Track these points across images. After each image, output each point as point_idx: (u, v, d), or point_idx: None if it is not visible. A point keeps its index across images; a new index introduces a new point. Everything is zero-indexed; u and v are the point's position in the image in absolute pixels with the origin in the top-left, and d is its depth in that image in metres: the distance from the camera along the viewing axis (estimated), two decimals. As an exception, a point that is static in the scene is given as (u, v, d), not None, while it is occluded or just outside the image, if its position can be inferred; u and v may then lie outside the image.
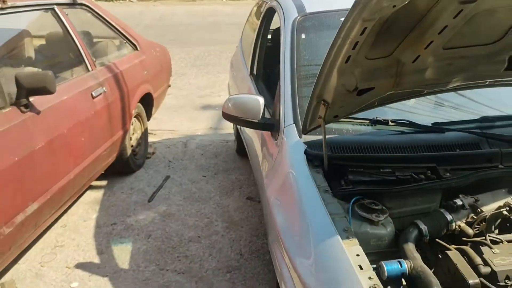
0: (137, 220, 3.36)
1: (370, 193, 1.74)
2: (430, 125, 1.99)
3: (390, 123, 2.00)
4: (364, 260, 1.43)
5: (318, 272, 1.51)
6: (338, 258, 1.46)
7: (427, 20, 1.43)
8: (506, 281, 1.44)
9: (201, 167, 4.25)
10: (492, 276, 1.44)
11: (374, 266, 1.44)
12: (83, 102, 3.00)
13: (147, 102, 4.31)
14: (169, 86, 5.08)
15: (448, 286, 1.41)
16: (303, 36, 2.43)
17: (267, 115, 2.38)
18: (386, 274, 1.44)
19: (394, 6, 1.25)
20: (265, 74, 3.30)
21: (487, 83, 1.86)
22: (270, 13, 3.22)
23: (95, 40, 3.81)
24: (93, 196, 3.72)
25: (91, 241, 3.12)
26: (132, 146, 4.02)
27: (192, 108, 6.07)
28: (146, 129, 4.41)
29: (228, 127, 5.25)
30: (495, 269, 1.45)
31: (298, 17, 2.51)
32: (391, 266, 1.46)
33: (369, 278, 1.37)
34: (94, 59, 3.35)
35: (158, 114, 4.87)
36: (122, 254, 2.97)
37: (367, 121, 2.02)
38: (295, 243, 1.67)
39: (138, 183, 3.94)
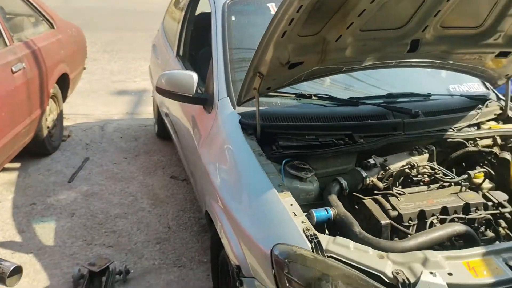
0: (58, 200, 3.30)
1: (298, 155, 1.98)
2: (347, 99, 2.29)
3: (313, 97, 2.27)
4: (297, 208, 1.66)
5: (259, 221, 1.71)
6: (275, 207, 1.68)
7: (350, 3, 1.68)
8: (409, 221, 1.76)
9: (121, 149, 4.24)
10: (399, 218, 1.76)
11: (305, 214, 1.68)
12: (3, 76, 2.89)
13: (63, 83, 4.19)
14: (84, 68, 4.96)
15: (365, 228, 1.69)
16: (232, 18, 2.61)
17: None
18: (315, 220, 1.68)
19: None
20: (192, 55, 3.41)
21: (393, 63, 2.19)
22: (196, -4, 3.37)
23: (8, 16, 3.63)
24: (6, 178, 3.56)
25: (10, 221, 3.02)
26: (48, 127, 3.90)
27: (106, 93, 5.94)
28: (61, 111, 4.29)
29: (146, 112, 5.26)
30: (401, 212, 1.76)
31: (227, 1, 2.68)
32: (319, 213, 1.71)
33: (302, 222, 1.60)
34: (12, 34, 3.21)
35: (71, 98, 4.74)
36: (45, 232, 2.93)
37: (294, 95, 2.26)
38: (235, 200, 1.86)
39: (56, 165, 3.84)
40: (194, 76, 2.38)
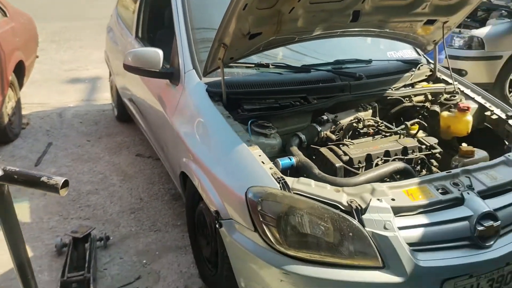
0: (28, 182, 3.39)
1: (261, 116, 2.24)
2: (300, 66, 2.57)
3: (270, 66, 2.54)
4: (265, 158, 1.94)
5: (232, 171, 1.97)
6: (246, 158, 1.94)
7: (300, -22, 1.95)
8: (358, 164, 2.08)
9: (83, 133, 4.34)
10: (350, 162, 2.07)
11: (272, 163, 1.95)
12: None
13: (19, 70, 4.21)
14: (37, 56, 4.96)
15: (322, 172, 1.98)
16: (192, -3, 2.82)
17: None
18: (280, 166, 1.97)
19: (281, -36, 1.74)
20: (150, 36, 3.57)
21: (338, 33, 2.49)
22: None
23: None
24: (-30, 166, 3.59)
25: (-18, 204, 3.09)
26: (8, 114, 3.94)
27: (58, 82, 5.93)
28: (19, 99, 4.32)
29: (102, 98, 5.34)
30: (351, 156, 2.08)
31: (185, -20, 2.87)
32: (284, 161, 1.99)
33: (270, 168, 1.88)
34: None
35: (24, 88, 4.74)
36: (21, 211, 3.03)
37: (253, 65, 2.52)
38: (210, 156, 2.11)
39: (19, 151, 3.90)
40: (160, 52, 2.57)
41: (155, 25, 3.68)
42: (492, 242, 1.83)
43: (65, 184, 0.95)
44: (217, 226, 1.96)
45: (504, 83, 4.96)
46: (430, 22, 2.60)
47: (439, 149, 2.24)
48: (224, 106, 2.27)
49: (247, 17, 2.04)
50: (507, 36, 4.81)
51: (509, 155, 2.13)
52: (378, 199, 1.79)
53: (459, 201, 1.87)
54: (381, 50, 2.98)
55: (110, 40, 4.32)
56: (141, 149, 4.01)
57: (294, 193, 1.79)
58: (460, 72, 4.69)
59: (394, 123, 2.44)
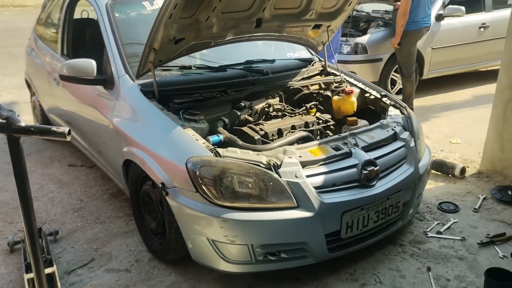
0: (-37, 198, 3.50)
1: (190, 107, 2.71)
2: (217, 66, 3.09)
3: (192, 67, 3.02)
4: (198, 136, 2.41)
5: (172, 148, 2.41)
6: (182, 137, 2.40)
7: (213, -8, 2.47)
8: (272, 136, 2.62)
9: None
10: (265, 135, 2.61)
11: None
12: None
13: None
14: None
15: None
16: (116, 14, 3.22)
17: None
18: (211, 142, 2.44)
19: (198, -20, 2.25)
20: (75, 53, 3.87)
21: (246, 38, 3.05)
22: (74, 2, 3.86)
23: None
24: None
25: None
26: None
27: (-29, 109, 5.86)
28: None
29: (24, 120, 5.41)
30: (266, 131, 2.62)
31: (109, 2, 3.27)
32: (213, 138, 2.48)
33: (203, 143, 2.35)
34: None
35: None
36: (-38, 222, 3.16)
37: (178, 67, 2.99)
38: (151, 140, 2.52)
39: None
40: (93, 61, 2.93)
41: (79, 43, 3.99)
42: (374, 182, 2.45)
43: (69, 132, 1.35)
44: (164, 195, 2.37)
45: (386, 81, 5.88)
46: (317, 27, 3.26)
47: (332, 122, 2.87)
48: (157, 101, 2.70)
49: (172, 25, 2.50)
50: (384, 42, 5.73)
51: (382, 121, 2.80)
52: (289, 157, 2.33)
53: (348, 155, 2.47)
54: (282, 51, 3.60)
55: (32, 61, 4.50)
56: (72, 160, 4.24)
57: (224, 158, 2.27)
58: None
59: (297, 107, 3.03)
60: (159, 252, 2.70)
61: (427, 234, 2.84)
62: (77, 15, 4.31)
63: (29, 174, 3.79)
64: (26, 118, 5.22)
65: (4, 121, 1.35)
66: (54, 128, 1.34)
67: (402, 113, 2.98)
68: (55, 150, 4.49)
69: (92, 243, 2.92)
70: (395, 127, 2.77)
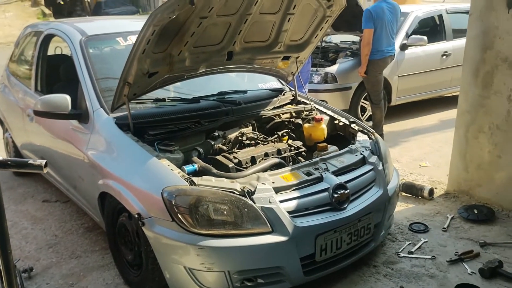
0: None
1: (164, 138, 2.77)
2: (191, 98, 3.17)
3: (166, 100, 3.10)
4: (173, 166, 2.46)
5: (148, 179, 2.45)
6: (157, 167, 2.45)
7: (185, 28, 2.57)
8: (246, 164, 2.69)
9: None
10: (239, 163, 2.68)
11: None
12: None
13: None
14: None
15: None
16: (90, 50, 3.30)
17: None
18: (186, 171, 2.50)
19: (170, 18, 2.35)
20: (49, 89, 3.90)
21: (218, 70, 3.16)
22: (47, 39, 3.92)
23: None
24: None
25: None
26: None
27: None
28: None
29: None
30: (240, 159, 2.69)
31: (83, 38, 3.35)
32: (188, 167, 2.53)
33: (178, 172, 2.41)
34: None
35: None
36: None
37: (152, 100, 3.06)
38: (127, 172, 2.56)
39: None
40: (67, 97, 2.98)
41: (52, 79, 4.03)
42: (346, 205, 2.54)
43: (46, 165, 1.39)
44: (140, 225, 2.40)
45: (356, 108, 6.08)
46: (286, 58, 3.40)
47: (304, 148, 2.96)
48: (132, 134, 2.75)
49: (145, 59, 2.59)
50: (353, 71, 5.95)
51: (351, 146, 2.92)
52: (263, 183, 2.41)
53: (319, 179, 2.57)
54: (253, 82, 3.72)
55: (5, 98, 4.50)
56: (46, 195, 4.20)
57: (199, 186, 2.33)
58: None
59: (269, 135, 3.13)
60: (136, 284, 2.70)
61: (399, 254, 2.93)
62: (50, 51, 4.36)
63: None
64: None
65: (-18, 155, 1.39)
66: (31, 161, 1.38)
67: (370, 138, 3.11)
68: (28, 186, 4.44)
69: (68, 278, 2.89)
70: (363, 151, 2.89)
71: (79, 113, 3.05)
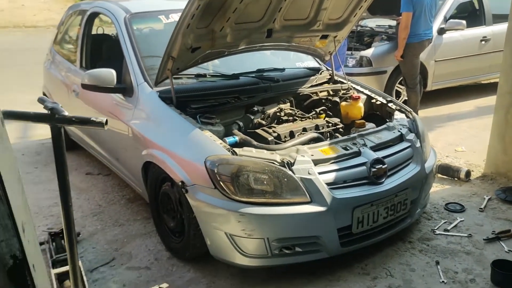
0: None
1: (206, 111, 2.86)
2: (231, 74, 3.25)
3: (207, 75, 3.19)
4: (215, 137, 2.55)
5: (191, 148, 2.55)
6: (200, 138, 2.54)
7: (227, 4, 2.63)
8: (284, 138, 2.76)
9: (28, 162, 4.61)
10: (278, 137, 2.75)
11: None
12: None
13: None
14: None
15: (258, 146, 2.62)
16: (134, 27, 3.41)
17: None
18: (227, 142, 2.58)
19: (215, -8, 2.42)
20: (93, 66, 4.05)
21: (257, 47, 3.22)
22: (92, 17, 4.07)
23: None
24: None
25: None
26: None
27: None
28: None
29: (37, 135, 5.59)
30: (279, 132, 2.76)
31: (127, 16, 3.46)
32: (230, 139, 2.61)
33: (220, 143, 2.49)
34: None
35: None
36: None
37: (194, 75, 3.15)
38: (170, 142, 2.67)
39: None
40: (113, 71, 3.10)
41: (96, 57, 4.18)
42: (383, 180, 2.58)
43: (106, 122, 1.49)
44: (184, 193, 2.50)
45: (391, 92, 6.03)
46: (324, 37, 3.43)
47: (341, 125, 3.00)
48: (175, 106, 2.85)
49: (189, 34, 2.67)
50: (388, 55, 5.91)
51: (388, 124, 2.94)
52: (302, 155, 2.47)
53: (357, 154, 2.61)
54: (291, 61, 3.77)
55: (51, 75, 4.69)
56: (89, 169, 4.39)
57: (241, 156, 2.41)
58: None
59: (307, 112, 3.18)
60: (177, 250, 2.82)
61: (435, 231, 2.95)
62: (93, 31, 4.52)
63: (48, 183, 3.98)
64: (42, 132, 5.41)
65: (49, 111, 1.50)
66: (93, 118, 1.49)
67: (407, 116, 3.11)
68: (72, 159, 4.63)
69: (112, 244, 3.05)
70: (401, 129, 2.91)
71: (124, 87, 3.17)
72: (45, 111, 1.54)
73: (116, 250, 2.97)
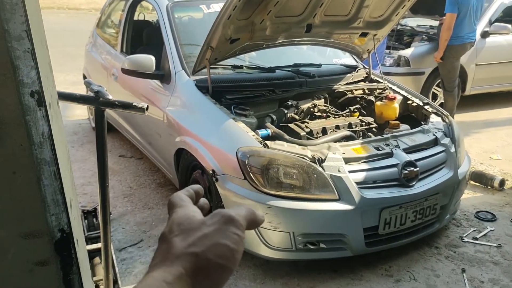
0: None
1: (240, 103, 2.89)
2: (267, 67, 3.27)
3: (244, 67, 3.21)
4: (248, 129, 2.58)
5: (224, 138, 2.59)
6: (233, 129, 2.58)
7: (269, -3, 2.66)
8: (316, 134, 2.76)
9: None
10: (310, 133, 2.75)
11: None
12: None
13: None
14: None
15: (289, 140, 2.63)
16: (176, 15, 3.46)
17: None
18: (260, 135, 2.61)
19: (257, -15, 2.44)
20: (133, 51, 4.15)
21: (295, 42, 3.22)
22: (135, 4, 4.15)
23: None
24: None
25: None
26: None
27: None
28: None
29: (74, 115, 5.77)
30: (312, 128, 2.76)
31: (169, 4, 3.52)
32: (262, 132, 2.64)
33: (253, 135, 2.52)
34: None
35: None
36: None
37: (230, 66, 3.19)
38: (204, 130, 2.71)
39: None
40: (152, 57, 3.17)
41: (136, 42, 4.28)
42: (414, 183, 2.56)
43: (147, 108, 1.54)
44: (214, 181, 2.55)
45: (427, 94, 5.91)
46: (364, 35, 3.40)
47: (375, 125, 2.98)
48: (210, 96, 2.90)
49: (230, 25, 2.70)
50: (428, 56, 5.79)
51: (423, 126, 2.90)
52: (333, 153, 2.47)
53: (389, 155, 2.59)
54: (328, 57, 3.75)
55: (91, 58, 4.82)
56: (122, 151, 4.50)
57: (272, 149, 2.44)
58: (391, 85, 5.60)
59: (341, 110, 3.17)
60: (203, 237, 2.87)
61: (463, 239, 2.90)
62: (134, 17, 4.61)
63: (83, 162, 4.10)
64: (80, 112, 5.58)
65: (94, 94, 1.56)
66: (135, 103, 1.54)
67: (443, 120, 3.06)
68: (107, 141, 4.76)
69: (141, 226, 3.14)
70: (436, 132, 2.87)
71: (162, 74, 3.24)
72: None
73: (144, 232, 3.06)
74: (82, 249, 0.91)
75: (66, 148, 0.82)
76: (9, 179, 0.70)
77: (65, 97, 1.55)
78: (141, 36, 4.36)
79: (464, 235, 2.95)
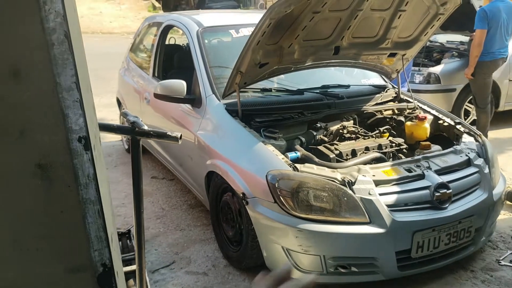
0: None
1: (270, 126, 2.93)
2: (295, 90, 3.30)
3: (273, 90, 3.26)
4: (278, 152, 2.61)
5: (254, 161, 2.62)
6: (263, 152, 2.61)
7: (298, 21, 2.70)
8: (346, 156, 2.76)
9: (100, 163, 4.90)
10: (340, 155, 2.76)
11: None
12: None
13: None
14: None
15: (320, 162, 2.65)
16: (206, 40, 3.56)
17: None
18: (289, 158, 2.63)
19: (286, 11, 2.49)
20: (164, 75, 4.27)
21: (323, 64, 3.25)
22: (166, 29, 4.29)
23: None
24: None
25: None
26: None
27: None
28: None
29: (108, 137, 5.92)
30: (341, 150, 2.77)
31: (200, 29, 3.62)
32: (291, 155, 2.67)
33: (282, 158, 2.55)
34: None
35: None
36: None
37: (259, 90, 3.24)
38: (234, 153, 2.76)
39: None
40: (184, 82, 3.26)
41: (168, 66, 4.41)
42: (447, 205, 2.52)
43: (181, 137, 1.60)
44: (244, 204, 2.58)
45: (459, 111, 5.82)
46: (392, 55, 3.40)
47: (405, 146, 2.96)
48: (240, 120, 2.95)
49: (259, 50, 2.76)
50: (458, 72, 5.71)
51: (455, 147, 2.86)
52: (363, 175, 2.47)
53: (421, 176, 2.57)
54: (356, 78, 3.76)
55: (125, 82, 4.98)
56: (154, 173, 4.61)
57: (302, 172, 2.45)
58: (421, 103, 5.53)
59: (370, 131, 3.16)
60: (234, 259, 2.90)
61: (500, 262, 2.82)
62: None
63: (117, 184, 4.21)
64: (113, 135, 5.74)
65: (131, 125, 1.62)
66: (169, 133, 1.60)
67: (476, 140, 3.01)
68: (139, 163, 4.88)
69: (173, 247, 3.19)
70: (469, 153, 2.82)
71: (193, 98, 3.32)
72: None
73: (177, 253, 3.10)
74: (121, 280, 0.95)
75: (108, 187, 0.87)
76: (57, 217, 0.75)
77: (104, 128, 1.62)
78: (172, 60, 4.48)
79: (501, 258, 2.86)
